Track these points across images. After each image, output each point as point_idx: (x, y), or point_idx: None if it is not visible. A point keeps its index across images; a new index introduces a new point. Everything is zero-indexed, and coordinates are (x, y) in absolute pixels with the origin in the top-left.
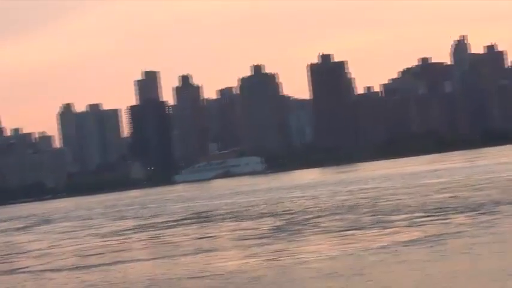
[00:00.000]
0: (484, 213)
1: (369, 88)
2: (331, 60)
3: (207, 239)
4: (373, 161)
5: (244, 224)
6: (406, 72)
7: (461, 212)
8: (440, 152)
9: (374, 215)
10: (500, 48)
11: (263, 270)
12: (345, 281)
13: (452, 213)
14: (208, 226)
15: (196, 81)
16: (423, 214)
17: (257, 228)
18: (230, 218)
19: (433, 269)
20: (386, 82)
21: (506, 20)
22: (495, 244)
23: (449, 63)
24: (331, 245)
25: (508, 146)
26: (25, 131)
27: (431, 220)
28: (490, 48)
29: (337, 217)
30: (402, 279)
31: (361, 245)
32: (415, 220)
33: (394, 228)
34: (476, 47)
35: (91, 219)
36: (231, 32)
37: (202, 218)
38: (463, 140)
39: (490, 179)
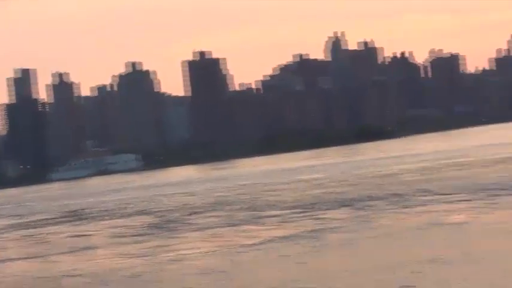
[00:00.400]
0: (358, 208)
1: (245, 84)
2: (207, 57)
3: (82, 237)
4: (251, 157)
5: (119, 222)
6: (283, 68)
7: (337, 208)
8: (317, 148)
9: (251, 211)
10: (376, 45)
11: (140, 267)
12: (222, 276)
13: (328, 209)
14: (83, 224)
15: (72, 78)
16: (300, 210)
17: (133, 226)
18: (106, 215)
19: (310, 264)
20: (263, 79)
21: (381, 16)
22: (370, 239)
23: (325, 59)
24: (207, 242)
25: (382, 141)
26: None
27: (308, 216)
28: (366, 44)
29: (213, 214)
30: (279, 273)
31: (238, 241)
32: (292, 216)
33: (270, 225)
34: (352, 44)
35: None
36: (106, 29)
37: (77, 216)
38: (339, 136)
39: (365, 174)
